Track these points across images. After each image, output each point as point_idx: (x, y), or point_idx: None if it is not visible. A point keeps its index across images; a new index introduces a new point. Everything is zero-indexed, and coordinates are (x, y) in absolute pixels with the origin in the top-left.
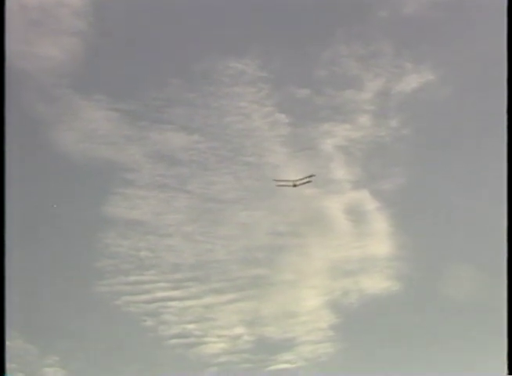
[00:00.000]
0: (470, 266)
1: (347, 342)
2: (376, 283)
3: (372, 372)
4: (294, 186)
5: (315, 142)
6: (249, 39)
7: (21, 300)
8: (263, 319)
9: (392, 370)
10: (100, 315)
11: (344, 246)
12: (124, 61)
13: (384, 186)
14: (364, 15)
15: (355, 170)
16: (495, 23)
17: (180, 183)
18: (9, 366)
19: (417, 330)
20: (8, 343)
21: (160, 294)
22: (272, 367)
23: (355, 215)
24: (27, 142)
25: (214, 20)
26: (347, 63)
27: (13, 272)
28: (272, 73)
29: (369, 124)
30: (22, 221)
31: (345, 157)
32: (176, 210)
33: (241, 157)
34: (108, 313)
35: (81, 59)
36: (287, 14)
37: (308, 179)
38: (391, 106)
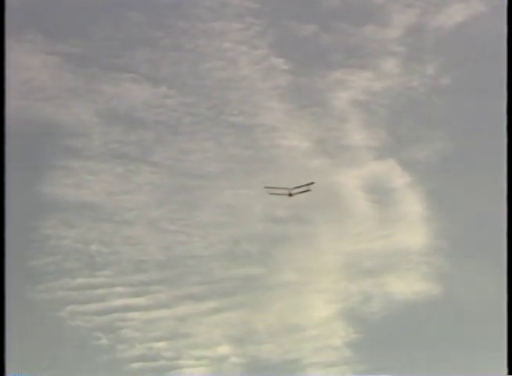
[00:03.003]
0: None
1: (368, 364)
2: (409, 286)
3: None
4: (290, 195)
5: (324, 95)
6: None
7: None
8: (256, 334)
9: None
10: (37, 330)
11: (364, 235)
12: None
13: (416, 155)
14: None
15: (379, 133)
16: None
17: (143, 152)
18: None
19: (464, 347)
20: None
21: (117, 303)
22: None
23: (379, 193)
24: None
25: None
26: None
27: None
28: (266, 4)
29: (397, 71)
30: None
31: (365, 115)
32: (138, 188)
33: (225, 116)
34: (48, 328)
35: None
36: None
37: (306, 188)
38: (427, 47)
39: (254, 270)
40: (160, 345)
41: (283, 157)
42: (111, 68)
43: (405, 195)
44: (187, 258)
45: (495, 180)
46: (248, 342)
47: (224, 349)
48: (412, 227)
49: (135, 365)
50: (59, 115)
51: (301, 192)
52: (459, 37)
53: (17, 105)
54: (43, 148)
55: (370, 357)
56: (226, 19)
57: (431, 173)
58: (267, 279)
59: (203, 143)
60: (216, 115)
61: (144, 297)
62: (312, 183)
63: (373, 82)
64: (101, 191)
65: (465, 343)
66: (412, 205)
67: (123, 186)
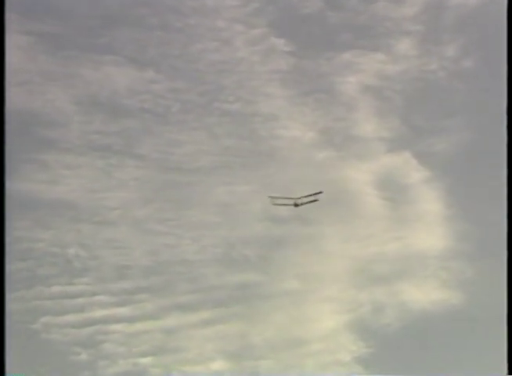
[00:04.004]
0: None
1: None
2: (426, 294)
3: None
4: (296, 205)
5: (331, 80)
6: None
7: None
8: (254, 348)
9: None
10: (8, 344)
11: (375, 238)
12: None
13: (435, 147)
14: None
15: (392, 123)
16: None
17: (127, 144)
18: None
19: (488, 362)
20: None
21: (98, 313)
22: None
23: (392, 190)
24: None
25: None
26: None
27: None
28: None
29: (413, 52)
30: None
31: (377, 102)
32: (121, 185)
33: (219, 103)
34: (20, 342)
35: None
36: None
37: (314, 198)
38: (447, 25)
39: (252, 277)
40: (147, 360)
41: (285, 149)
42: (91, 49)
43: (421, 192)
44: (177, 263)
45: None
46: (245, 358)
47: (218, 365)
48: (430, 228)
49: None
50: (33, 102)
51: (307, 202)
52: (482, 15)
53: None
54: (14, 139)
55: (382, 374)
56: None
57: (451, 167)
58: (266, 286)
59: (195, 134)
60: (209, 102)
61: (128, 307)
62: (320, 193)
63: (385, 65)
64: (80, 188)
65: (490, 357)
66: (430, 203)
67: (104, 182)
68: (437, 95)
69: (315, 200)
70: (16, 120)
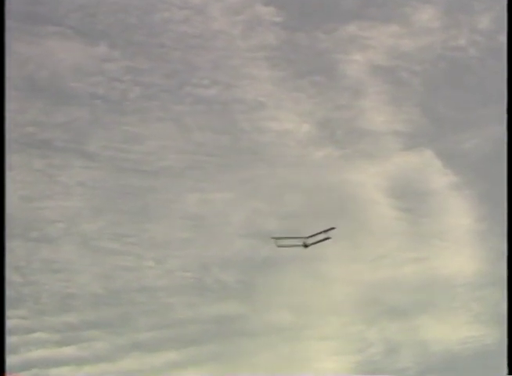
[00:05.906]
0: None
1: None
2: (453, 331)
3: None
4: (305, 246)
5: (332, 59)
6: None
7: None
8: None
9: None
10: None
11: (388, 259)
12: None
13: (464, 144)
14: None
15: (409, 113)
16: None
17: (73, 140)
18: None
19: None
20: None
21: (37, 354)
22: None
23: (410, 198)
24: None
25: None
26: None
27: None
28: None
29: (437, 24)
30: None
31: (390, 87)
32: (65, 191)
33: (190, 88)
34: None
35: None
36: None
37: (325, 235)
38: None
39: (232, 308)
40: None
41: (273, 146)
42: (28, 19)
43: (447, 201)
44: (136, 290)
45: None
46: None
47: None
48: (458, 247)
49: None
50: None
51: (319, 241)
52: None
53: None
54: None
55: None
56: None
57: (484, 170)
58: (250, 320)
59: (160, 126)
60: (178, 86)
61: (74, 346)
62: (332, 229)
63: (401, 40)
64: (13, 195)
65: None
66: (458, 216)
67: (44, 188)
68: (466, 77)
69: (327, 238)
70: None
